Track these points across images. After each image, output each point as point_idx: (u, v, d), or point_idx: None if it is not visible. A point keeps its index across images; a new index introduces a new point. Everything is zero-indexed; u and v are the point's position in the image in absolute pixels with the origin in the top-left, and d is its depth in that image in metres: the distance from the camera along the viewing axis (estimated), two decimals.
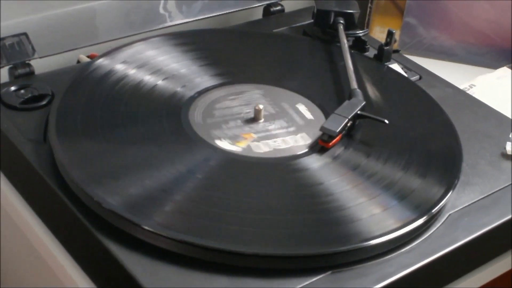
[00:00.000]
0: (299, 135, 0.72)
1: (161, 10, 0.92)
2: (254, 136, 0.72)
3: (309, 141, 0.72)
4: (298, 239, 0.61)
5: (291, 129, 0.73)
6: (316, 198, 0.65)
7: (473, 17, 1.07)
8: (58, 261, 0.68)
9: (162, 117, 0.72)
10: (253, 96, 0.77)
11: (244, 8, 0.99)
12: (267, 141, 0.71)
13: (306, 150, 0.71)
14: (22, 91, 0.77)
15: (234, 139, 0.71)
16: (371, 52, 0.90)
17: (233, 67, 0.83)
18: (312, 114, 0.76)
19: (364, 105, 0.74)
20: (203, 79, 0.79)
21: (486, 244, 0.67)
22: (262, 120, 0.74)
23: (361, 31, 0.90)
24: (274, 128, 0.73)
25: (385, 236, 0.61)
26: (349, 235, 0.62)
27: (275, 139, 0.72)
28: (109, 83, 0.76)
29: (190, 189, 0.64)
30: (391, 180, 0.68)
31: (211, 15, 0.96)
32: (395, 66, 0.88)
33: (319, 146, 0.71)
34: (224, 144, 0.70)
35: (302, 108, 0.76)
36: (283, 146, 0.71)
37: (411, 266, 0.61)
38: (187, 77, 0.79)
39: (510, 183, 0.71)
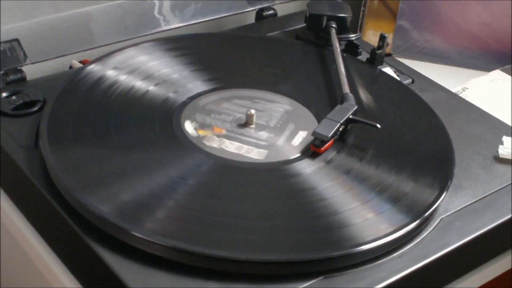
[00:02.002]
0: (289, 142, 0.72)
1: (154, 15, 0.92)
2: (223, 132, 0.72)
3: (299, 147, 0.71)
4: (290, 244, 0.61)
5: (282, 135, 0.73)
6: (308, 203, 0.65)
7: (466, 20, 1.07)
8: (50, 267, 0.68)
9: (154, 123, 0.72)
10: (246, 101, 0.77)
11: (237, 12, 0.99)
12: (233, 142, 0.71)
13: (299, 155, 0.70)
14: (14, 97, 0.76)
15: (201, 127, 0.71)
16: (364, 56, 0.90)
17: (225, 72, 0.83)
18: (304, 122, 0.75)
19: (356, 110, 0.74)
20: (195, 85, 0.79)
21: (478, 248, 0.67)
22: (253, 125, 0.74)
23: (353, 35, 0.91)
24: (266, 134, 0.73)
25: (377, 241, 0.61)
26: (342, 240, 0.62)
27: (241, 145, 0.71)
28: (101, 89, 0.76)
29: (182, 195, 0.64)
30: (384, 184, 0.68)
31: (204, 19, 0.96)
32: (388, 70, 0.88)
33: (312, 151, 0.70)
34: (188, 127, 0.70)
35: (294, 113, 0.76)
36: (235, 151, 0.70)
37: (403, 270, 0.61)
38: (179, 83, 0.79)
39: (503, 186, 0.71)
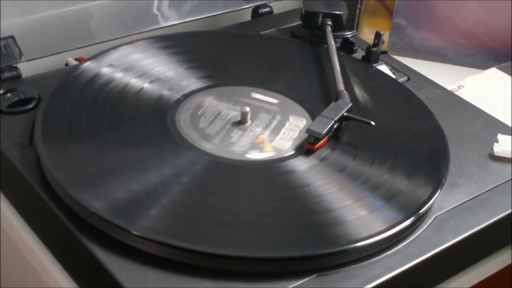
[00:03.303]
0: (290, 119, 0.73)
1: (151, 13, 0.92)
2: (266, 138, 0.72)
3: (293, 144, 0.72)
4: (283, 241, 0.61)
5: (277, 132, 0.73)
6: (302, 200, 0.65)
7: (462, 18, 1.07)
8: (44, 264, 0.67)
9: (148, 121, 0.72)
10: (240, 99, 0.77)
11: (232, 10, 0.99)
12: (279, 135, 0.72)
13: (293, 152, 0.70)
14: (9, 94, 0.76)
15: (255, 147, 0.71)
16: (360, 53, 0.90)
17: (220, 69, 0.83)
18: (299, 119, 0.76)
19: (350, 107, 0.74)
20: (190, 82, 0.79)
21: (473, 246, 0.67)
22: (249, 122, 0.74)
23: (349, 33, 0.90)
24: (261, 131, 0.73)
25: (371, 239, 0.61)
26: (335, 237, 0.62)
27: (282, 131, 0.72)
28: (95, 86, 0.76)
29: (176, 192, 0.64)
30: (378, 182, 0.68)
31: (200, 17, 0.96)
32: (383, 68, 0.88)
33: (306, 148, 0.70)
34: (253, 155, 0.70)
35: (289, 111, 0.76)
36: (294, 134, 0.72)
37: (397, 268, 0.61)
38: (173, 80, 0.79)
39: (498, 184, 0.71)
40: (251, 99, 0.78)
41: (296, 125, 0.74)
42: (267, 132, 0.73)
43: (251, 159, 0.69)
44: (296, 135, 0.73)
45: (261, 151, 0.70)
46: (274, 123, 0.74)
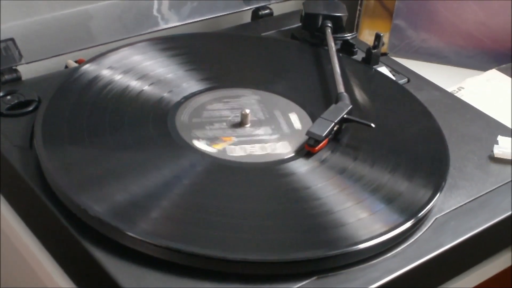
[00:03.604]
0: (280, 143, 0.72)
1: (151, 15, 0.92)
2: (234, 139, 0.71)
3: (288, 149, 0.71)
4: (283, 244, 0.61)
5: (275, 136, 0.73)
6: (303, 202, 0.65)
7: (462, 19, 1.07)
8: (44, 267, 0.67)
9: (149, 123, 0.72)
10: (241, 101, 0.77)
11: (233, 11, 0.99)
12: (245, 145, 0.71)
13: (293, 154, 0.70)
14: (9, 97, 0.76)
15: (212, 140, 0.70)
16: (360, 55, 0.90)
17: (220, 71, 0.83)
18: (300, 123, 0.75)
19: (350, 109, 0.74)
20: (190, 84, 0.79)
21: (473, 248, 0.67)
22: (248, 125, 0.74)
23: (349, 34, 0.90)
24: (258, 134, 0.73)
25: (371, 241, 0.61)
26: (335, 239, 0.62)
27: (253, 145, 0.71)
28: (96, 89, 0.76)
29: (176, 195, 0.64)
30: (378, 184, 0.68)
31: (200, 18, 0.96)
32: (383, 69, 0.88)
33: (306, 151, 0.70)
34: (200, 145, 0.70)
35: (292, 116, 0.76)
36: (259, 152, 0.70)
37: (397, 270, 0.61)
38: (173, 82, 0.79)
39: (498, 186, 0.71)
40: (251, 101, 0.77)
41: (294, 126, 0.74)
42: (263, 136, 0.73)
43: (227, 158, 0.69)
44: (259, 153, 0.72)
45: (210, 146, 0.70)
46: (274, 123, 0.74)
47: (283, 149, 0.71)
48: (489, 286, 0.73)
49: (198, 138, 0.71)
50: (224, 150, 0.70)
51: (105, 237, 0.60)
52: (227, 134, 0.72)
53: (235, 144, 0.71)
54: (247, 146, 0.71)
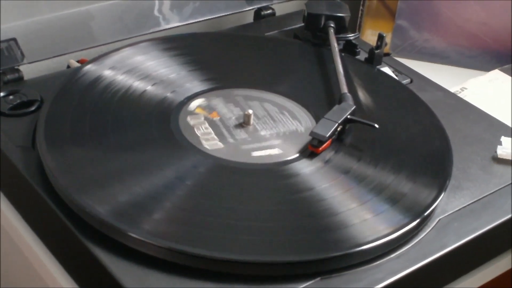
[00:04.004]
0: (283, 144, 0.72)
1: (153, 15, 0.92)
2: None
3: (291, 150, 0.71)
4: (287, 245, 0.61)
5: (278, 137, 0.73)
6: (306, 203, 0.65)
7: (465, 20, 1.07)
8: (46, 267, 0.67)
9: (152, 123, 0.72)
10: (243, 101, 0.77)
11: (235, 11, 0.98)
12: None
13: (297, 155, 0.70)
14: (11, 97, 0.76)
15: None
16: (362, 56, 0.90)
17: (223, 71, 0.83)
18: (303, 124, 0.75)
19: (354, 110, 0.74)
20: (193, 84, 0.79)
21: (477, 249, 0.67)
22: (251, 126, 0.73)
23: (352, 35, 0.90)
24: (261, 135, 0.73)
25: (375, 242, 0.61)
26: (339, 240, 0.61)
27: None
28: (98, 89, 0.76)
29: (179, 196, 0.64)
30: (382, 185, 0.67)
31: (202, 19, 0.95)
32: (386, 70, 0.88)
33: (309, 151, 0.70)
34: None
35: (295, 117, 0.76)
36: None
37: (401, 271, 0.61)
38: (176, 82, 0.78)
39: (501, 187, 0.71)
40: (254, 101, 0.77)
41: (297, 127, 0.74)
42: (270, 134, 0.72)
43: (252, 159, 0.69)
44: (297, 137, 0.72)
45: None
46: (278, 124, 0.74)
47: (286, 150, 0.71)
48: (492, 287, 0.73)
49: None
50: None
51: (108, 238, 0.60)
52: (230, 135, 0.72)
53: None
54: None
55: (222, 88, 0.79)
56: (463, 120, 0.80)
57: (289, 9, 1.03)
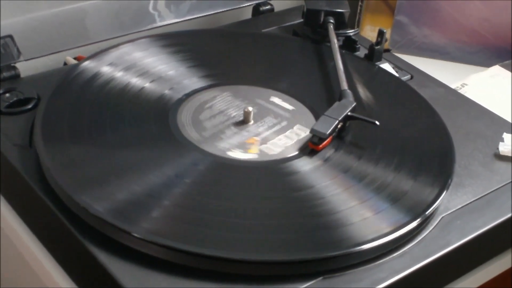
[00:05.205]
0: (283, 141, 0.71)
1: (150, 11, 0.91)
2: (257, 139, 0.71)
3: (291, 147, 0.70)
4: (288, 244, 0.60)
5: (277, 133, 0.72)
6: (306, 202, 0.64)
7: (465, 15, 1.06)
8: (44, 266, 0.67)
9: (150, 120, 0.71)
10: (242, 98, 0.76)
11: (233, 8, 0.98)
12: (272, 141, 0.71)
13: (297, 152, 0.69)
14: (7, 94, 0.76)
15: (243, 147, 0.70)
16: (362, 52, 0.89)
17: (222, 68, 0.82)
18: (303, 121, 0.74)
19: (354, 106, 0.73)
20: (191, 81, 0.78)
21: (480, 247, 0.66)
22: (251, 122, 0.73)
23: (351, 31, 0.90)
24: (260, 131, 0.72)
25: (377, 241, 0.60)
26: (341, 239, 0.61)
27: (278, 137, 0.71)
28: (96, 86, 0.75)
29: (178, 194, 0.63)
30: (383, 183, 0.67)
31: (200, 15, 0.95)
32: (386, 66, 0.87)
33: (309, 149, 0.70)
34: (236, 154, 0.68)
35: (295, 114, 0.75)
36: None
37: (403, 271, 0.60)
38: (175, 79, 0.78)
39: (503, 184, 0.71)
40: (252, 98, 0.77)
41: (297, 125, 0.73)
42: (264, 134, 0.72)
43: (231, 157, 0.68)
44: (290, 143, 0.71)
45: (245, 152, 0.69)
46: (276, 126, 0.73)
47: (286, 147, 0.70)
48: (496, 285, 0.72)
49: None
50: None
51: (106, 237, 0.60)
52: (229, 132, 0.71)
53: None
54: (275, 141, 0.70)
55: (221, 85, 0.78)
56: (464, 116, 0.80)
57: (288, 5, 1.02)
